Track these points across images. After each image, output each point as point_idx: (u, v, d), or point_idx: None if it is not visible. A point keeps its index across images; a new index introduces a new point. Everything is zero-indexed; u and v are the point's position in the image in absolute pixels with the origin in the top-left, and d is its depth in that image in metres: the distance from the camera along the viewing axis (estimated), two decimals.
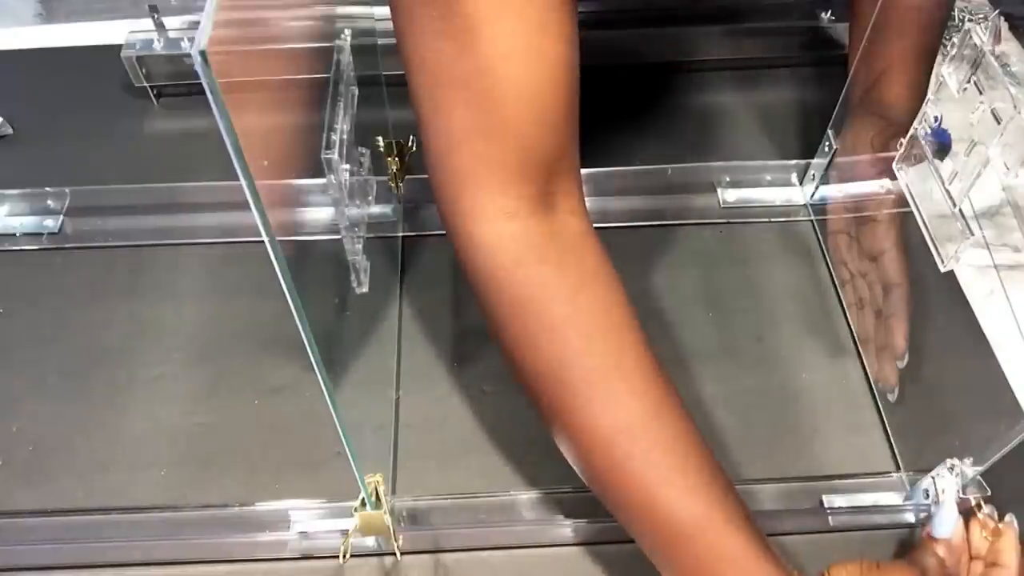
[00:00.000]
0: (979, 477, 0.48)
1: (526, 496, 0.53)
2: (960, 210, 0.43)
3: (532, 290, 0.42)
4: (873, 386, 0.59)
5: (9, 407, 0.58)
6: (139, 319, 0.62)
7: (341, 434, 0.40)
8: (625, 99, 0.77)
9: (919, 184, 0.47)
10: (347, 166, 0.50)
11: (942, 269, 0.44)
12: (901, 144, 0.49)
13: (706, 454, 0.43)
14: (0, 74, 0.80)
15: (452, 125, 0.41)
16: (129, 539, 0.52)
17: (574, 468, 0.45)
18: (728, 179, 0.70)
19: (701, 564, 0.41)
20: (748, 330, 0.62)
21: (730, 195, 0.69)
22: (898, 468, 0.55)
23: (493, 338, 0.45)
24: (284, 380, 0.59)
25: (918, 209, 0.47)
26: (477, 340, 0.61)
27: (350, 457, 0.42)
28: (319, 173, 0.48)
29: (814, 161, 0.67)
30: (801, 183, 0.70)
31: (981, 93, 0.41)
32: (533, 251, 0.42)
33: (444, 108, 0.41)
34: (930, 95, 0.46)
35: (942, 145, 0.46)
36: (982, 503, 0.48)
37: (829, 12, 0.79)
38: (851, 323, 0.62)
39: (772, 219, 0.69)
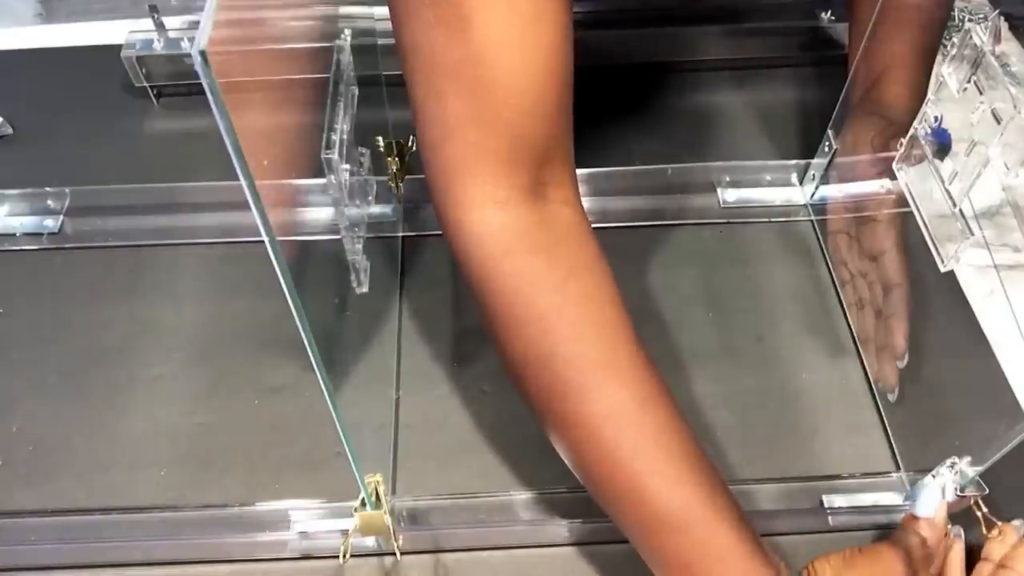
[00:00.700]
0: (978, 477, 0.48)
1: (526, 496, 0.53)
2: (960, 210, 0.43)
3: (521, 279, 0.42)
4: (873, 386, 0.59)
5: (9, 407, 0.58)
6: (139, 319, 0.62)
7: (341, 434, 0.40)
8: (625, 99, 0.77)
9: (919, 184, 0.47)
10: (347, 166, 0.50)
11: (942, 269, 0.44)
12: (901, 144, 0.49)
13: (694, 444, 0.43)
14: (0, 74, 0.80)
15: (444, 114, 0.41)
16: (129, 539, 0.52)
17: (566, 462, 0.45)
18: (728, 179, 0.70)
19: (688, 555, 0.41)
20: (748, 330, 0.62)
21: (730, 195, 0.69)
22: (898, 468, 0.55)
23: (485, 328, 0.45)
24: (284, 380, 0.59)
25: (918, 209, 0.47)
26: (477, 340, 0.61)
27: (350, 457, 0.42)
28: (319, 173, 0.48)
29: (814, 161, 0.67)
30: (801, 183, 0.70)
31: (981, 93, 0.41)
32: (523, 240, 0.42)
33: (437, 97, 0.41)
34: (930, 95, 0.46)
35: (942, 145, 0.46)
36: (980, 502, 0.48)
37: (829, 12, 0.79)
38: (851, 323, 0.62)
39: (772, 219, 0.69)
